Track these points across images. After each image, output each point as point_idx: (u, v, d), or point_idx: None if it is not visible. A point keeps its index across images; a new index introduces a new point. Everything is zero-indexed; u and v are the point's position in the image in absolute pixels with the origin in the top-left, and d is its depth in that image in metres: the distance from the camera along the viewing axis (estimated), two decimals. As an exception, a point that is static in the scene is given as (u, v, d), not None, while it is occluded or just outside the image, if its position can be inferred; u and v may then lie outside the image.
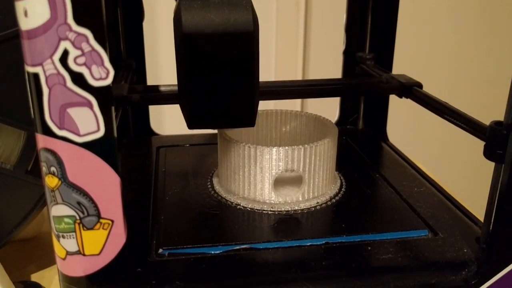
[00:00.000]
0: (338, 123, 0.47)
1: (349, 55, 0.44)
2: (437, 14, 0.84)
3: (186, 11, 0.25)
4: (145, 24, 0.42)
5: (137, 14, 0.41)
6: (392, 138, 0.44)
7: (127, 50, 0.42)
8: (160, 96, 0.35)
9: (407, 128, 0.80)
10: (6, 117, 0.28)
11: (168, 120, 0.77)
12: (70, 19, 0.18)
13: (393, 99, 0.42)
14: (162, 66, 0.74)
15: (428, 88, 0.35)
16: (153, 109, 0.45)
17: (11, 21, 0.26)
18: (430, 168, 0.46)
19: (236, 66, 0.27)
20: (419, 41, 0.84)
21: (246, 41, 0.26)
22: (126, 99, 0.33)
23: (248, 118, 0.28)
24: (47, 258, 0.35)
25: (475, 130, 0.27)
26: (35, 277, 0.33)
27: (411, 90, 0.36)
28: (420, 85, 0.36)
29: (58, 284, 0.31)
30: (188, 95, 0.27)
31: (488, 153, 0.26)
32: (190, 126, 0.28)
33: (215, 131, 0.34)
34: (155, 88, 0.35)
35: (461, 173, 0.81)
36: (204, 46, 0.26)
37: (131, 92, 0.34)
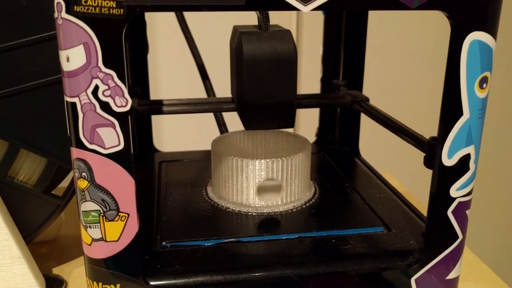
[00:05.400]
0: (317, 141, 0.53)
1: (325, 82, 0.51)
2: (399, 46, 0.92)
3: (246, 43, 0.35)
4: (149, 56, 0.49)
5: (142, 47, 0.48)
6: (366, 154, 0.50)
7: (133, 78, 0.48)
8: (163, 107, 0.42)
9: (378, 145, 0.87)
10: (32, 146, 0.34)
11: (168, 139, 0.83)
12: (100, 63, 0.25)
13: (366, 123, 0.49)
14: (162, 92, 0.80)
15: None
16: (155, 130, 0.52)
17: (44, 73, 0.32)
18: (399, 176, 0.52)
19: (281, 83, 0.36)
20: (386, 68, 0.91)
21: (289, 64, 0.36)
22: (136, 110, 0.40)
23: (289, 120, 0.38)
24: (65, 256, 0.40)
25: (417, 143, 0.34)
26: (55, 271, 0.39)
27: (359, 103, 0.45)
28: (367, 99, 0.46)
29: (76, 277, 0.37)
30: (246, 104, 0.36)
31: (427, 163, 0.32)
32: (246, 127, 0.38)
33: (209, 147, 0.41)
34: (159, 101, 0.43)
35: (423, 179, 0.88)
36: (258, 68, 0.35)
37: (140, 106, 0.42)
